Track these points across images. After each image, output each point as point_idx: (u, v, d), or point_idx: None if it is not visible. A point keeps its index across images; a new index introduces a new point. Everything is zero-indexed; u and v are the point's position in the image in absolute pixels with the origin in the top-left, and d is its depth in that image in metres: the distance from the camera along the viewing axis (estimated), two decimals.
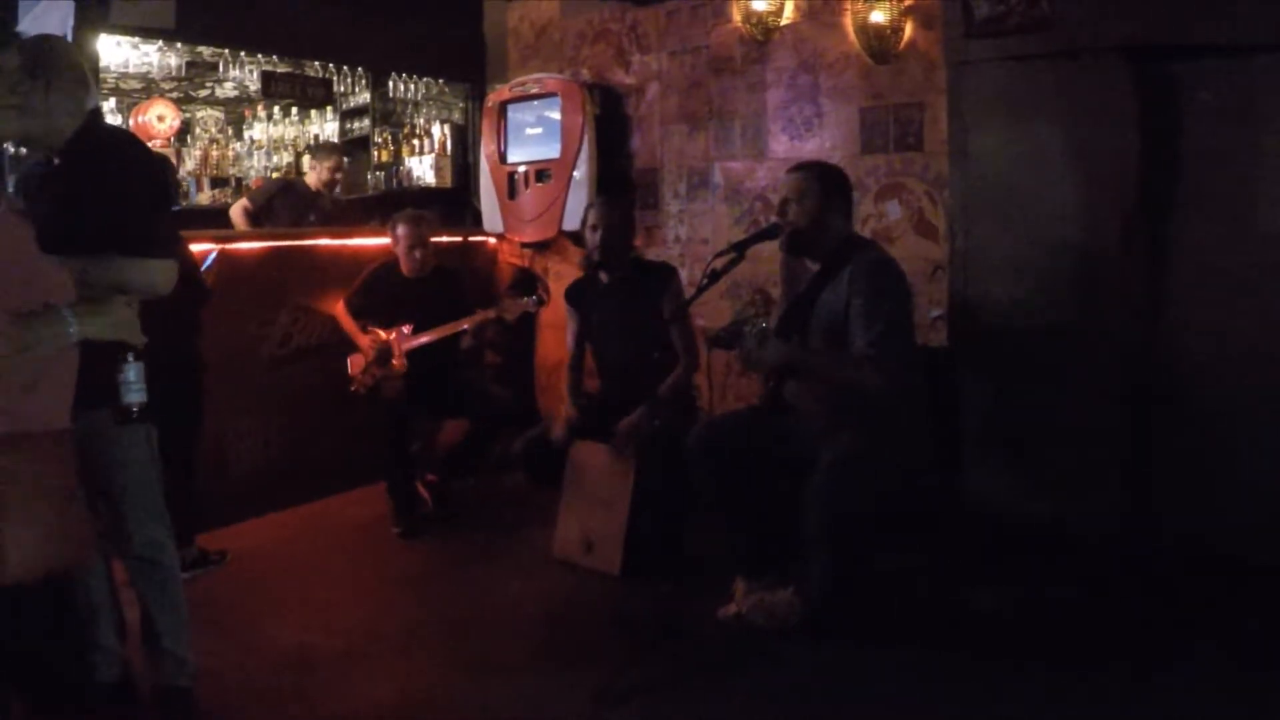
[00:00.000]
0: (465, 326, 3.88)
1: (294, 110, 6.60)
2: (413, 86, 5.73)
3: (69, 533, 1.70)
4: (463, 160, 5.46)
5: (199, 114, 6.59)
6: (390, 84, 5.73)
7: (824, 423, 2.75)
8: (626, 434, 3.25)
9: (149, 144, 5.57)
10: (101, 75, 4.77)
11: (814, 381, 2.73)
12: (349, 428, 4.13)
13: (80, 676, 2.20)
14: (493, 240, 5.10)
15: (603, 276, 3.51)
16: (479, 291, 4.39)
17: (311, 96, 5.39)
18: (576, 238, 3.73)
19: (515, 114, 4.81)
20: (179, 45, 4.99)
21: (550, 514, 3.48)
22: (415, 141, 5.64)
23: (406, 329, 3.92)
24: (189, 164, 6.12)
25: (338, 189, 5.33)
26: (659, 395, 3.30)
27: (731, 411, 3.56)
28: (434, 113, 5.93)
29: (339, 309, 4.08)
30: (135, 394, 1.97)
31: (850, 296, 2.64)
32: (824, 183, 2.77)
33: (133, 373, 1.96)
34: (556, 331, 4.83)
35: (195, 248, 3.55)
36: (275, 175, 6.22)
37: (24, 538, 1.60)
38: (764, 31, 4.09)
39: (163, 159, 3.83)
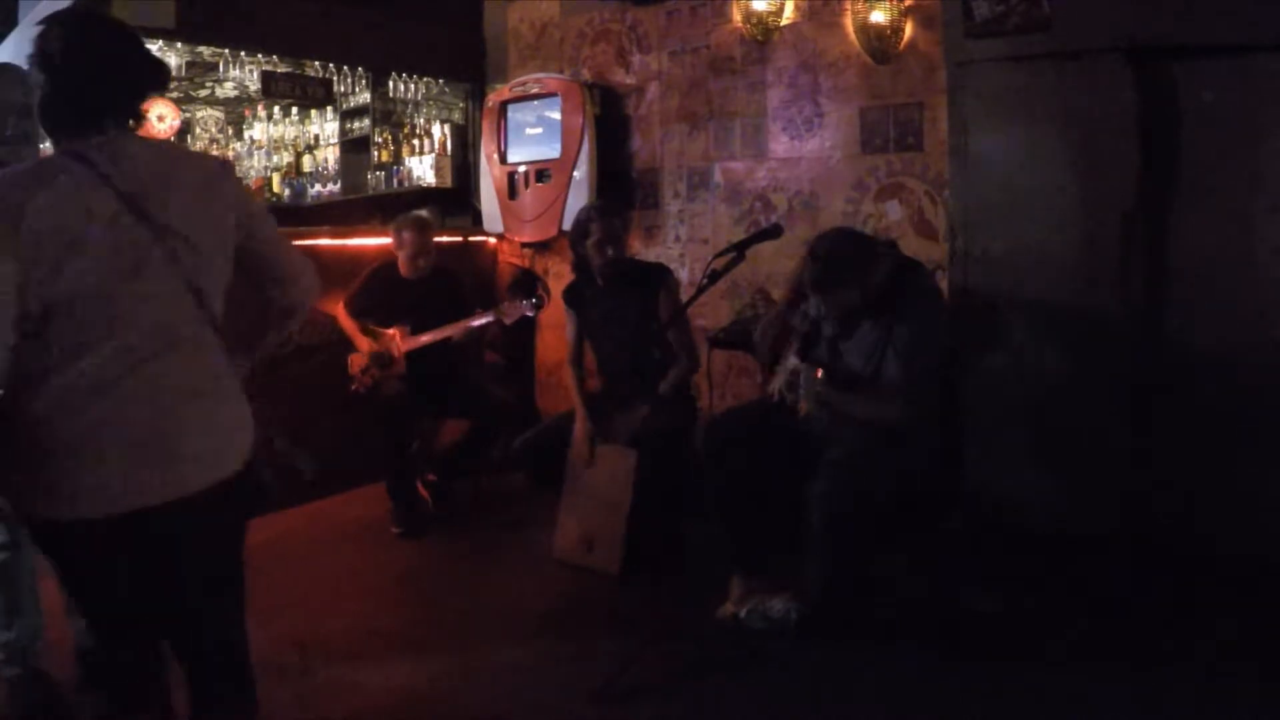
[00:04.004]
0: (463, 328, 3.88)
1: (294, 110, 6.61)
2: (413, 86, 5.72)
3: None
4: (463, 160, 5.45)
5: (199, 114, 6.60)
6: (390, 84, 5.73)
7: (827, 423, 2.75)
8: (631, 437, 3.24)
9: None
10: None
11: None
12: (349, 428, 4.13)
13: None
14: (493, 240, 5.10)
15: (599, 278, 3.51)
16: (479, 291, 4.38)
17: (311, 96, 5.39)
18: None
19: (515, 114, 4.81)
20: (179, 45, 4.98)
21: (550, 514, 3.48)
22: (415, 141, 5.64)
23: (406, 329, 3.93)
24: None
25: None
26: (660, 395, 3.29)
27: (742, 404, 3.55)
28: (434, 113, 5.93)
29: (339, 309, 4.08)
30: None
31: (898, 321, 2.65)
32: (858, 267, 2.66)
33: None
34: (556, 331, 4.84)
35: None
36: None
37: None
38: (764, 31, 4.09)
39: None
